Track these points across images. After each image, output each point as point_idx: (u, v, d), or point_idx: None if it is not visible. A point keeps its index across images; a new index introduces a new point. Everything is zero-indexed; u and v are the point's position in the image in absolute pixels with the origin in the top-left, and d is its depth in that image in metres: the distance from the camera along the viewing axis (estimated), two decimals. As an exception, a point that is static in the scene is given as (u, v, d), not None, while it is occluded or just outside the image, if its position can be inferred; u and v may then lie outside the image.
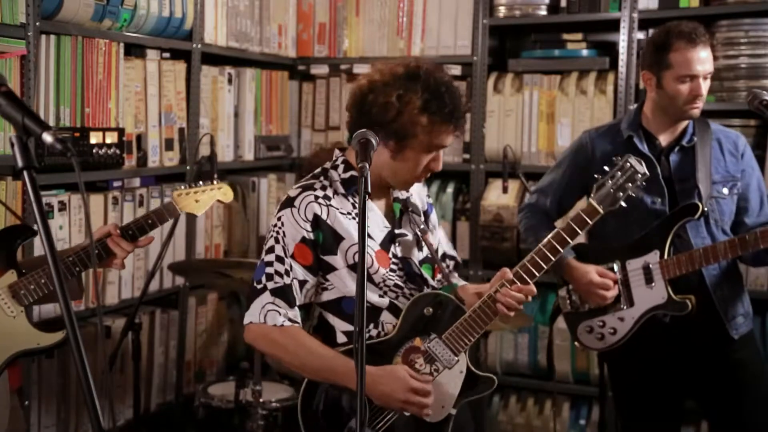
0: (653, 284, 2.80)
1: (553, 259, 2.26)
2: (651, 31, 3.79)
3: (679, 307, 2.78)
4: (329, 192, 2.27)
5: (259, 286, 2.23)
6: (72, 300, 2.86)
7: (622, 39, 3.84)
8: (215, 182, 2.77)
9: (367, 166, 1.94)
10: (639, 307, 2.82)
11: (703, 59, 2.77)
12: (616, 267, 2.85)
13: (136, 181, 3.52)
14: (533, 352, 4.05)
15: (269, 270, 2.22)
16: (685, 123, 2.89)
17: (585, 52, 4.05)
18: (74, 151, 1.49)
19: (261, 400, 3.19)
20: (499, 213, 4.00)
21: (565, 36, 4.09)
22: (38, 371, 3.08)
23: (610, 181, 2.35)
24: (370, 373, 2.11)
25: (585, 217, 2.30)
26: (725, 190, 2.87)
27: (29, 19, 2.83)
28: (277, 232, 2.24)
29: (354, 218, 2.27)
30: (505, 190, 3.94)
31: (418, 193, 2.47)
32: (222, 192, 2.74)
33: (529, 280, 2.25)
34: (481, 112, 4.10)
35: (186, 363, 3.81)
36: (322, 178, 2.30)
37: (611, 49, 4.02)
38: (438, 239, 2.53)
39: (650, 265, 2.81)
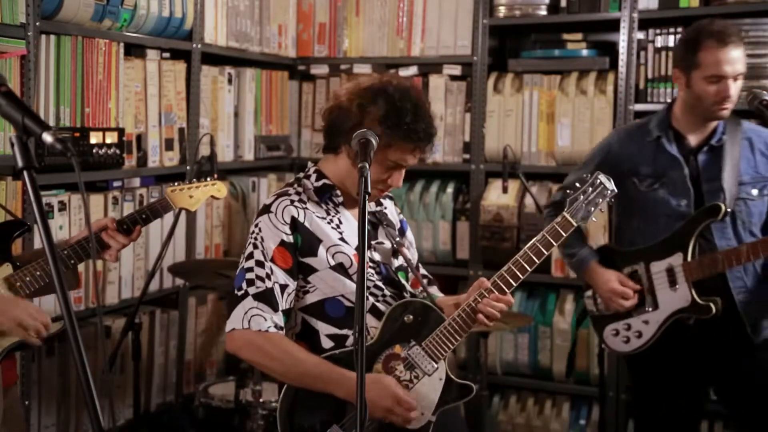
0: (677, 287, 2.79)
1: (529, 270, 2.28)
2: (651, 31, 3.79)
3: (704, 310, 2.77)
4: (303, 197, 2.31)
5: (239, 293, 2.23)
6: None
7: (622, 39, 3.84)
8: (209, 178, 2.80)
9: (367, 166, 1.95)
10: (664, 310, 2.82)
11: (732, 60, 2.73)
12: (639, 269, 2.85)
13: (136, 181, 3.52)
14: (533, 352, 4.05)
15: (249, 275, 2.23)
16: (714, 123, 2.85)
17: (585, 52, 4.05)
18: (74, 151, 1.49)
19: (261, 400, 3.19)
20: (499, 213, 4.00)
21: (565, 36, 4.09)
22: (38, 371, 3.08)
23: (582, 196, 2.35)
24: (353, 378, 2.11)
25: (559, 229, 2.30)
26: (754, 192, 2.83)
27: (29, 19, 2.82)
28: (255, 238, 2.26)
29: (329, 222, 2.30)
30: (505, 190, 3.93)
31: (391, 211, 2.51)
32: (216, 188, 2.78)
33: (506, 289, 2.27)
34: (481, 112, 4.10)
35: (186, 363, 3.80)
36: (296, 185, 2.35)
37: (611, 49, 4.02)
38: (414, 256, 2.56)
39: (674, 268, 2.80)
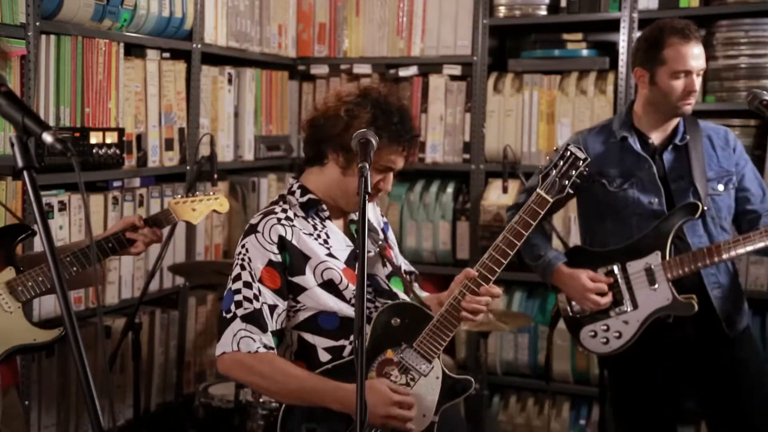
0: (656, 286, 2.79)
1: (511, 253, 2.28)
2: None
3: (686, 308, 2.75)
4: (290, 214, 2.29)
5: (228, 315, 2.21)
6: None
7: (622, 39, 3.84)
8: (212, 192, 2.84)
9: (367, 166, 1.95)
10: (644, 309, 2.80)
11: (696, 55, 2.77)
12: (616, 269, 2.84)
13: (136, 181, 3.52)
14: (533, 352, 4.05)
15: (237, 297, 2.21)
16: (675, 121, 2.88)
17: (585, 52, 4.05)
18: (74, 151, 1.49)
19: (261, 400, 3.19)
20: (499, 213, 4.00)
21: (565, 36, 4.09)
22: (38, 371, 3.08)
23: (554, 171, 2.34)
24: (348, 389, 2.11)
25: (536, 207, 2.30)
26: (720, 187, 2.85)
27: (29, 19, 2.82)
28: (243, 259, 2.23)
29: (316, 238, 2.29)
30: (505, 190, 3.94)
31: (374, 212, 2.51)
32: (219, 203, 2.81)
33: (490, 276, 2.27)
34: (481, 112, 4.10)
35: (186, 363, 3.81)
36: (281, 203, 2.33)
37: (611, 49, 4.02)
38: (398, 256, 2.56)
39: (652, 267, 2.79)
